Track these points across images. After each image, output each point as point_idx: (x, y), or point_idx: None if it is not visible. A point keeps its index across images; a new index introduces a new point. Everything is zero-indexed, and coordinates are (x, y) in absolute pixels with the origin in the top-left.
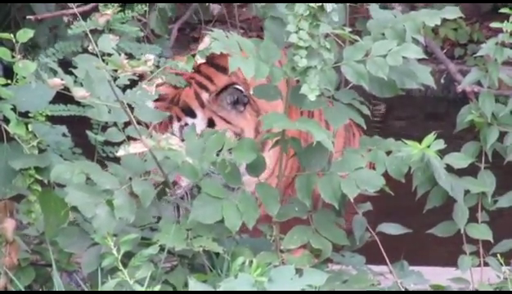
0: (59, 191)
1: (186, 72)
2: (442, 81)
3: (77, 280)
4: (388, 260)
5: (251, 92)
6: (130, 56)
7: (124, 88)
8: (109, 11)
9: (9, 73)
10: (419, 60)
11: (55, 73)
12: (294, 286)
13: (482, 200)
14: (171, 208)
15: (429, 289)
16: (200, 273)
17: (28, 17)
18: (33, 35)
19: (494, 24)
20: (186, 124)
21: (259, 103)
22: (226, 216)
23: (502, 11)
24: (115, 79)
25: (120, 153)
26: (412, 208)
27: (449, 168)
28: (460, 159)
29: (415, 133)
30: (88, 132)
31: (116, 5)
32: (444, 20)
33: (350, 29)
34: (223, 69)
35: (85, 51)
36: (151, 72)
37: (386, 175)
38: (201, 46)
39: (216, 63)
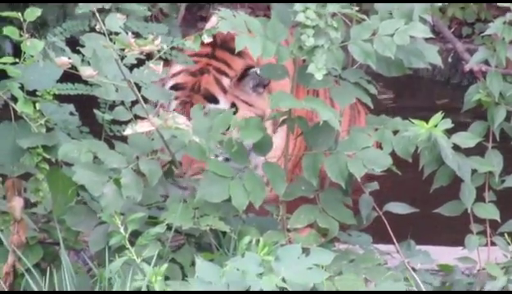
0: (66, 170)
1: (202, 59)
2: (450, 60)
3: (84, 258)
4: (395, 240)
5: (258, 72)
6: (137, 35)
7: (131, 67)
8: None
9: (18, 51)
10: (427, 39)
11: (62, 51)
12: (300, 265)
13: (489, 179)
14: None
15: (436, 268)
16: (207, 252)
17: None
18: (42, 13)
19: (502, 3)
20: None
21: (272, 84)
22: (233, 195)
23: None
24: (122, 58)
25: (127, 131)
26: (419, 187)
27: (456, 147)
28: (467, 139)
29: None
30: (96, 111)
31: None
32: None
33: (357, 8)
34: (238, 53)
35: (93, 30)
36: (158, 51)
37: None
38: (208, 26)
39: (230, 47)
